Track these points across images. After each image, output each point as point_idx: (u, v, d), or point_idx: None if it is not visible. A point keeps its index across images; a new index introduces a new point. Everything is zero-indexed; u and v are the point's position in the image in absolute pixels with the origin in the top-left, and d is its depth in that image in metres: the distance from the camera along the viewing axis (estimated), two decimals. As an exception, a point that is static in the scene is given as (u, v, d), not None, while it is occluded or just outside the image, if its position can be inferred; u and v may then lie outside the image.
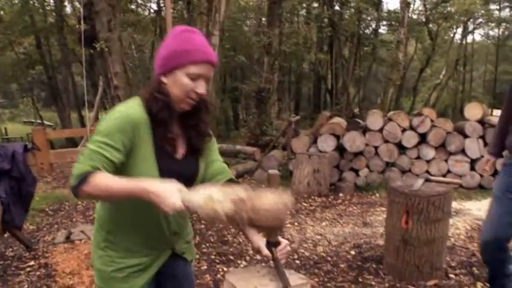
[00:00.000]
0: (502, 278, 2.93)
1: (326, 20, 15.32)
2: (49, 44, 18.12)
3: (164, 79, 1.56)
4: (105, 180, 1.41)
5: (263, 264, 1.82)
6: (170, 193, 1.36)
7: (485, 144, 7.25)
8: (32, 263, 4.16)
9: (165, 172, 1.55)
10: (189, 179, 1.64)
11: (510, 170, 2.68)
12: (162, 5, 16.01)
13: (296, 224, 5.48)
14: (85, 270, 3.89)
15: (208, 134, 1.72)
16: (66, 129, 13.52)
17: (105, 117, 1.53)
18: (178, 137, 1.65)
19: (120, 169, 1.50)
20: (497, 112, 20.89)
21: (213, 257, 4.31)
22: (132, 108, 1.54)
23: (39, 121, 21.00)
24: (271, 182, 1.61)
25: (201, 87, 1.55)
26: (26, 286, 3.64)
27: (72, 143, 12.58)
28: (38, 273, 3.91)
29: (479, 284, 3.60)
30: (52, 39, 18.06)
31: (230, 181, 1.78)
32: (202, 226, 5.20)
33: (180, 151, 1.65)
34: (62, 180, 8.61)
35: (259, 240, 1.62)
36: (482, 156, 7.14)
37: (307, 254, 4.43)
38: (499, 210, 2.74)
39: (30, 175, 4.46)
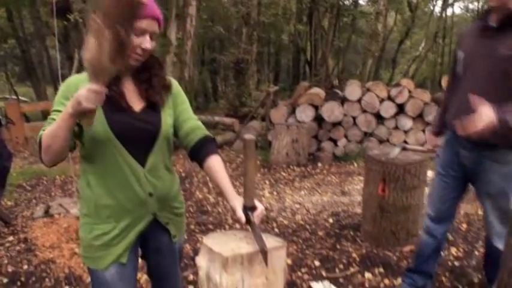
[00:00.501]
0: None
1: (305, -10, 15.17)
2: (21, 16, 17.55)
3: None
4: (48, 130, 1.46)
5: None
6: (80, 93, 1.34)
7: None
8: (11, 238, 4.14)
9: (117, 125, 1.57)
10: (150, 133, 1.65)
11: (450, 146, 2.59)
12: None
13: (275, 193, 5.54)
14: (65, 243, 3.89)
15: (164, 87, 1.71)
16: (40, 102, 13.11)
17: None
18: (132, 92, 1.65)
19: (79, 133, 1.56)
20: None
21: (192, 226, 4.35)
22: (77, 76, 1.60)
23: (13, 96, 20.52)
24: (247, 149, 1.60)
25: (146, 43, 1.55)
26: (6, 261, 3.62)
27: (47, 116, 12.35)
28: (17, 248, 3.89)
29: (453, 250, 3.71)
30: (24, 12, 17.51)
31: (203, 139, 1.77)
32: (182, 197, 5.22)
33: (137, 105, 1.65)
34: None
35: (236, 198, 1.63)
36: None
37: (285, 222, 4.50)
38: (441, 187, 2.68)
39: (6, 150, 4.39)
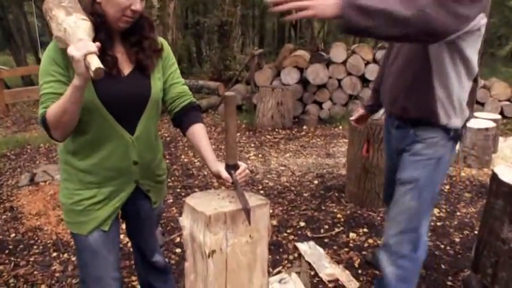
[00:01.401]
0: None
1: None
2: (-3, -19, 16.97)
3: None
4: (55, 106, 1.43)
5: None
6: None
7: None
8: (-4, 207, 4.13)
9: (106, 93, 1.53)
10: (140, 99, 1.63)
11: (386, 125, 2.29)
12: None
13: (260, 155, 5.57)
14: (51, 210, 3.89)
15: (155, 51, 1.67)
16: (19, 68, 12.76)
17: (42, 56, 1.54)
18: (122, 55, 1.61)
19: None
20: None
21: (178, 190, 4.38)
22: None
23: (-7, 65, 20.06)
24: (228, 105, 1.60)
25: (136, 3, 1.50)
26: (-8, 229, 3.63)
27: (30, 84, 12.10)
28: (3, 216, 3.88)
29: (435, 210, 3.79)
30: (-1, -24, 16.91)
31: (188, 105, 1.76)
32: (167, 161, 5.22)
33: (126, 69, 1.61)
34: (23, 124, 8.37)
35: (218, 164, 1.64)
36: None
37: (271, 184, 4.54)
38: (387, 169, 2.38)
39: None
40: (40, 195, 4.25)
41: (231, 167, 1.61)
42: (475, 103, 2.02)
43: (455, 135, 1.97)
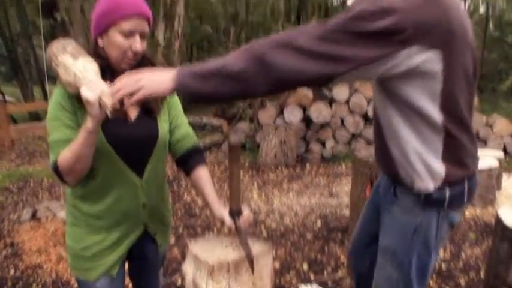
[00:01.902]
0: None
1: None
2: (7, 15, 17.35)
3: (100, 42, 1.52)
4: (68, 152, 1.44)
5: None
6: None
7: None
8: (-3, 242, 4.11)
9: (114, 137, 1.53)
10: (148, 142, 1.63)
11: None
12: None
13: (263, 195, 5.55)
14: (52, 247, 3.86)
15: None
16: (27, 103, 12.95)
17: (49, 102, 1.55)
18: None
19: None
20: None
21: (180, 230, 4.34)
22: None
23: (-1, 96, 20.29)
24: (232, 153, 1.60)
25: (136, 44, 1.49)
26: (-8, 266, 3.60)
27: (36, 118, 12.21)
28: (4, 252, 3.85)
29: (440, 252, 3.74)
30: (10, 10, 17.30)
31: (192, 148, 1.77)
32: (170, 200, 5.21)
33: (132, 112, 1.61)
34: (26, 157, 8.41)
35: (222, 209, 1.64)
36: None
37: (274, 225, 4.51)
38: (363, 213, 2.04)
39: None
40: (41, 232, 4.23)
41: (235, 213, 1.61)
42: (470, 157, 1.55)
43: (429, 200, 1.52)
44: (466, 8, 29.24)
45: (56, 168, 1.47)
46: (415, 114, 1.41)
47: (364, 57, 1.25)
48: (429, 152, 1.45)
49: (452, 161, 1.48)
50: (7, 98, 20.38)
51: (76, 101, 1.49)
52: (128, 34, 1.47)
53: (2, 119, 6.83)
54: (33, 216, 4.64)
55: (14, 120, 10.16)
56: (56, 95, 1.53)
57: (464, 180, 1.53)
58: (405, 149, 1.47)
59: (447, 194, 1.50)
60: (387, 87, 1.42)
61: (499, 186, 5.35)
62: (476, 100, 7.42)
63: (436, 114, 1.39)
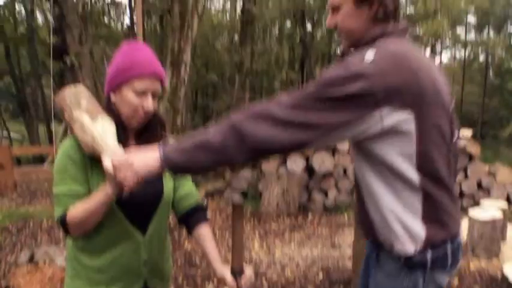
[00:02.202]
0: None
1: (298, 39, 15.55)
2: (18, 54, 17.77)
3: (112, 97, 1.55)
4: (80, 210, 1.46)
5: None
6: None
7: None
8: (-8, 285, 4.05)
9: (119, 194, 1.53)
10: (152, 199, 1.63)
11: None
12: (135, 19, 15.98)
13: (265, 246, 5.49)
14: (48, 293, 3.81)
15: None
16: (32, 146, 13.22)
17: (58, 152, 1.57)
18: None
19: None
20: (463, 132, 21.65)
21: (180, 280, 4.27)
22: (75, 139, 1.54)
23: (5, 132, 20.49)
24: (235, 213, 1.61)
25: (148, 103, 1.52)
26: (-14, 311, 3.53)
27: (39, 158, 12.27)
28: (-2, 296, 3.80)
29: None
30: (22, 50, 17.73)
31: (195, 206, 1.77)
32: (171, 260, 5.15)
33: None
34: (28, 196, 8.39)
35: (224, 268, 1.62)
36: None
37: (275, 277, 4.44)
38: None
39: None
40: (38, 277, 4.16)
41: (237, 272, 1.60)
42: (451, 217, 1.48)
43: (410, 264, 1.45)
44: (466, 56, 29.86)
45: (63, 222, 1.48)
46: (391, 175, 1.40)
47: (335, 122, 1.28)
48: (408, 213, 1.42)
49: (432, 222, 1.43)
50: (12, 135, 20.62)
51: (89, 158, 1.51)
52: (141, 93, 1.50)
53: (6, 161, 6.88)
54: (31, 259, 4.58)
55: (18, 160, 10.22)
56: (66, 147, 1.54)
57: (447, 242, 1.46)
58: (383, 210, 1.44)
59: (428, 256, 1.43)
60: (363, 149, 1.43)
61: (503, 237, 5.29)
62: (477, 148, 7.47)
63: (412, 174, 1.38)
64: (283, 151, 1.36)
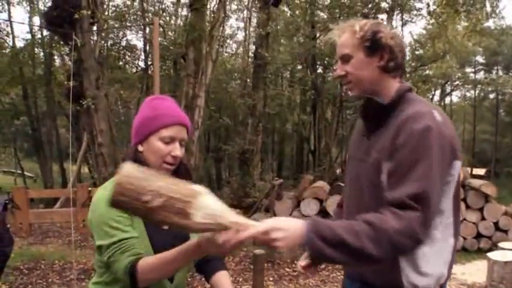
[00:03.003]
0: None
1: (309, 82, 15.70)
2: (36, 95, 18.16)
3: (140, 147, 1.58)
4: (157, 262, 1.44)
5: None
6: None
7: (467, 206, 7.53)
8: (3, 328, 4.00)
9: (157, 245, 1.54)
10: (180, 245, 1.62)
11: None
12: (149, 62, 16.34)
13: (279, 291, 5.40)
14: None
15: None
16: (47, 189, 13.47)
17: (93, 209, 1.55)
18: None
19: None
20: (476, 171, 21.37)
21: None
22: (103, 190, 1.55)
23: (19, 171, 20.68)
24: (256, 263, 1.60)
25: (176, 150, 1.56)
26: None
27: (53, 197, 12.34)
28: None
29: None
30: (39, 91, 18.13)
31: (213, 256, 1.77)
32: None
33: None
34: (40, 236, 8.38)
35: None
36: (464, 219, 7.41)
37: (289, 324, 4.35)
38: None
39: (7, 235, 4.33)
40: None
41: None
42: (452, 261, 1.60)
43: None
44: (476, 94, 29.93)
45: (132, 274, 1.43)
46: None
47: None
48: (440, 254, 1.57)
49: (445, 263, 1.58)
50: (26, 173, 20.81)
51: None
52: (169, 140, 1.55)
53: (22, 203, 6.94)
54: (43, 302, 4.54)
55: (31, 199, 10.31)
56: (102, 202, 1.50)
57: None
58: (417, 257, 1.53)
59: None
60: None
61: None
62: (494, 189, 7.39)
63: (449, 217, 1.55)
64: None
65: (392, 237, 1.33)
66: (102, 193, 1.55)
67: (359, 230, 1.34)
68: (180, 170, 1.65)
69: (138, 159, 1.56)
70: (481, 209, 7.57)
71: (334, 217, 2.11)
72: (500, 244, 5.66)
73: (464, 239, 7.49)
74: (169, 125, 1.55)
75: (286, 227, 1.31)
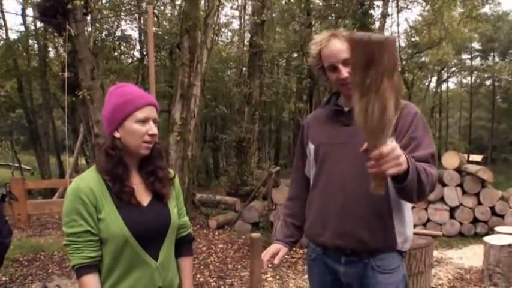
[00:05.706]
0: None
1: (305, 71, 15.65)
2: (31, 88, 18.03)
3: (116, 134, 1.64)
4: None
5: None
6: None
7: (464, 192, 7.61)
8: (3, 319, 4.03)
9: (133, 225, 1.60)
10: (162, 227, 1.70)
11: (320, 266, 2.06)
12: (145, 52, 16.26)
13: (278, 277, 5.43)
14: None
15: (170, 179, 1.79)
16: (45, 180, 13.48)
17: (65, 197, 1.62)
18: (139, 186, 1.69)
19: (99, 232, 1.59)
20: (472, 157, 21.53)
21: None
22: (83, 179, 1.62)
23: (16, 164, 20.63)
24: (254, 247, 1.63)
25: (153, 128, 1.65)
26: None
27: (51, 189, 12.34)
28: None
29: None
30: (34, 83, 18.01)
31: (185, 237, 1.89)
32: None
33: (145, 199, 1.69)
34: (38, 228, 8.41)
35: None
36: (461, 204, 7.52)
37: (288, 310, 4.39)
38: None
39: (6, 226, 4.33)
40: (50, 310, 4.15)
41: None
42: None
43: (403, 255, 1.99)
44: (472, 81, 29.95)
45: (79, 276, 1.60)
46: None
47: None
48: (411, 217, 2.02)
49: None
50: (23, 166, 20.75)
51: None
52: (143, 121, 1.63)
53: (20, 194, 6.94)
54: (44, 292, 4.57)
55: (28, 191, 10.30)
56: (77, 185, 1.61)
57: None
58: (404, 218, 1.94)
59: None
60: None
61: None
62: (490, 174, 7.44)
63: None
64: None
65: (434, 180, 1.72)
66: (74, 183, 1.62)
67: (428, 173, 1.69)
68: (155, 154, 1.73)
69: (115, 146, 1.63)
70: (477, 194, 7.63)
71: (287, 211, 2.33)
72: (497, 228, 5.72)
73: (461, 223, 7.55)
74: (141, 106, 1.63)
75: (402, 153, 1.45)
